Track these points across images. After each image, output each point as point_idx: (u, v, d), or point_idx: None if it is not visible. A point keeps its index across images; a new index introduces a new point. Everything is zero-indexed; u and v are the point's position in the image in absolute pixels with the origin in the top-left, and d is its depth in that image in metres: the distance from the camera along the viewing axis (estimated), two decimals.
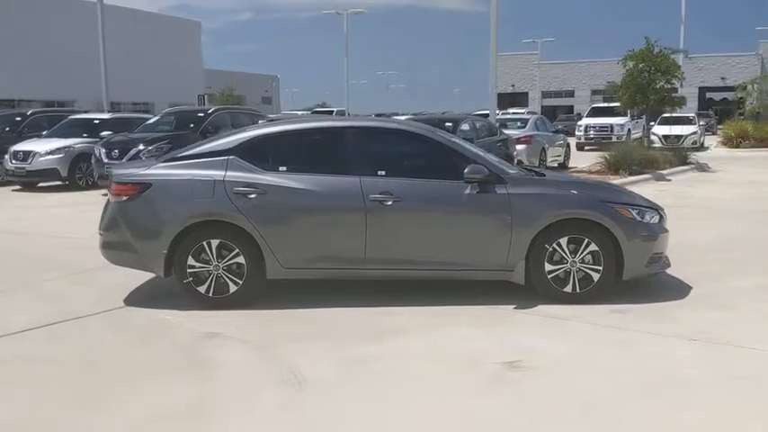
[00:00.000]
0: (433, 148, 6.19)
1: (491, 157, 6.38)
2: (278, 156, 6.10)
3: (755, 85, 34.14)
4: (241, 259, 5.87)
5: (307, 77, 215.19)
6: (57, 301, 6.34)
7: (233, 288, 5.90)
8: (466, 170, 5.82)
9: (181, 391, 4.25)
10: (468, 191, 5.87)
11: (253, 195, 5.83)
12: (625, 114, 28.31)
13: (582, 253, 5.86)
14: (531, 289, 5.95)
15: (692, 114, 29.76)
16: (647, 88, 18.58)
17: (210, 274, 5.89)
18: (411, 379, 4.37)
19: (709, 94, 68.54)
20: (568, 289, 5.90)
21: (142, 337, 5.32)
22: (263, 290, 6.02)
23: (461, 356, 4.76)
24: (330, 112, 44.01)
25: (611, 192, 6.26)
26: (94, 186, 15.25)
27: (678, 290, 6.28)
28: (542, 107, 59.63)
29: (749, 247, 8.39)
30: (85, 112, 22.28)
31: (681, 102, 21.15)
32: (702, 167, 19.26)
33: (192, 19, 63.87)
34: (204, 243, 5.86)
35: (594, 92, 67.27)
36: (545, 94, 68.31)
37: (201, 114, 16.07)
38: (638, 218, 5.98)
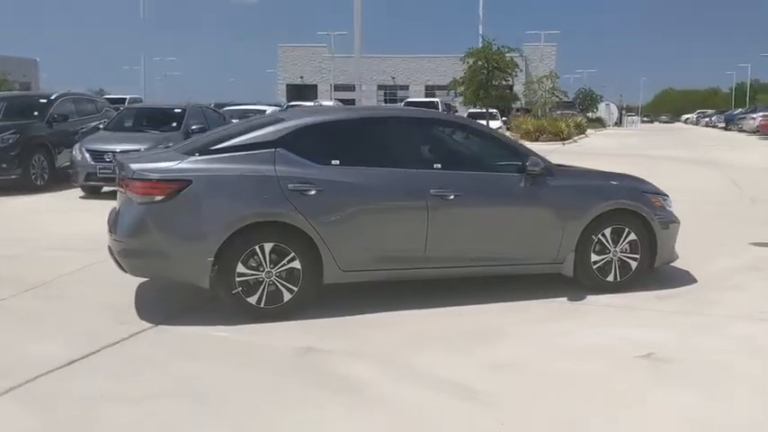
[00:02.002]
0: (483, 139, 6.04)
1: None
2: (328, 148, 5.54)
3: (540, 84, 37.48)
4: (296, 264, 5.26)
5: (68, 62, 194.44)
6: (54, 323, 5.25)
7: (287, 296, 5.28)
8: (528, 162, 5.74)
9: (366, 417, 3.72)
10: (522, 184, 5.79)
11: (312, 192, 5.25)
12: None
13: (622, 242, 6.05)
14: (576, 281, 6.01)
15: (495, 110, 31.97)
16: (488, 85, 19.63)
17: (262, 282, 5.21)
18: (579, 380, 4.21)
19: None
20: (611, 278, 6.05)
21: (222, 359, 4.56)
22: (317, 297, 5.45)
23: (591, 353, 4.65)
24: (122, 101, 40.71)
25: (642, 182, 6.50)
26: None
27: (681, 275, 6.62)
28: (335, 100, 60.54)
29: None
30: None
31: (516, 97, 22.65)
32: None
33: None
34: (256, 247, 5.17)
35: (380, 87, 69.75)
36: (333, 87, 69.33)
37: (44, 101, 14.09)
38: (666, 206, 6.32)
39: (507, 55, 19.75)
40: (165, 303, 5.71)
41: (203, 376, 4.28)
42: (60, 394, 4.01)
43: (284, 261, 5.23)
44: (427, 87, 68.41)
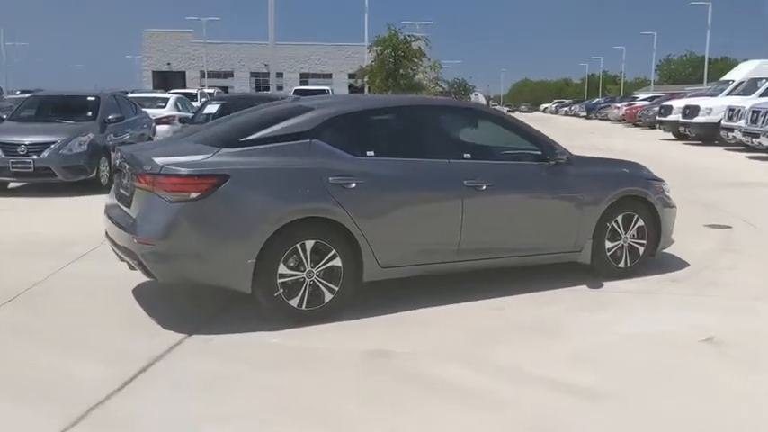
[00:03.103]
0: (509, 129, 5.92)
1: None
2: (363, 139, 5.26)
3: (425, 74, 38.02)
4: (337, 261, 4.95)
5: None
6: (66, 339, 4.68)
7: (328, 296, 4.96)
8: (556, 151, 5.72)
9: (500, 422, 3.54)
10: (548, 173, 5.76)
11: (352, 185, 4.94)
12: None
13: (631, 229, 6.17)
14: (592, 268, 6.06)
15: None
16: (396, 74, 19.63)
17: (302, 283, 4.86)
18: (671, 370, 4.21)
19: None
20: (622, 264, 6.15)
21: (295, 368, 4.20)
22: (355, 296, 5.16)
23: (656, 340, 4.67)
24: None
25: (645, 168, 6.64)
26: None
27: (669, 259, 6.70)
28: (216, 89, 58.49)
29: None
30: None
31: (421, 86, 22.77)
32: None
33: None
34: (298, 246, 4.81)
35: (253, 74, 68.16)
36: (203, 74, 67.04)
37: None
38: (665, 191, 6.50)
39: (414, 44, 19.84)
40: (174, 309, 5.20)
41: (287, 388, 3.94)
42: (143, 417, 3.57)
43: (325, 259, 4.91)
44: (302, 75, 67.73)
